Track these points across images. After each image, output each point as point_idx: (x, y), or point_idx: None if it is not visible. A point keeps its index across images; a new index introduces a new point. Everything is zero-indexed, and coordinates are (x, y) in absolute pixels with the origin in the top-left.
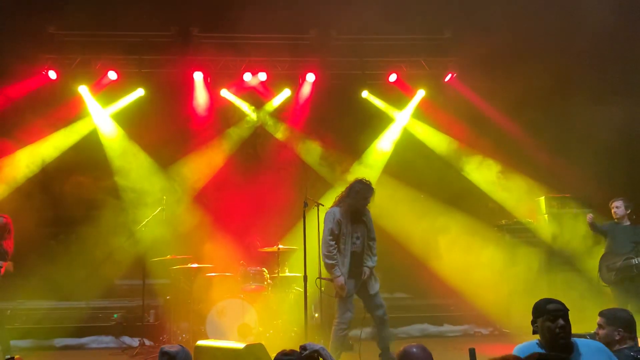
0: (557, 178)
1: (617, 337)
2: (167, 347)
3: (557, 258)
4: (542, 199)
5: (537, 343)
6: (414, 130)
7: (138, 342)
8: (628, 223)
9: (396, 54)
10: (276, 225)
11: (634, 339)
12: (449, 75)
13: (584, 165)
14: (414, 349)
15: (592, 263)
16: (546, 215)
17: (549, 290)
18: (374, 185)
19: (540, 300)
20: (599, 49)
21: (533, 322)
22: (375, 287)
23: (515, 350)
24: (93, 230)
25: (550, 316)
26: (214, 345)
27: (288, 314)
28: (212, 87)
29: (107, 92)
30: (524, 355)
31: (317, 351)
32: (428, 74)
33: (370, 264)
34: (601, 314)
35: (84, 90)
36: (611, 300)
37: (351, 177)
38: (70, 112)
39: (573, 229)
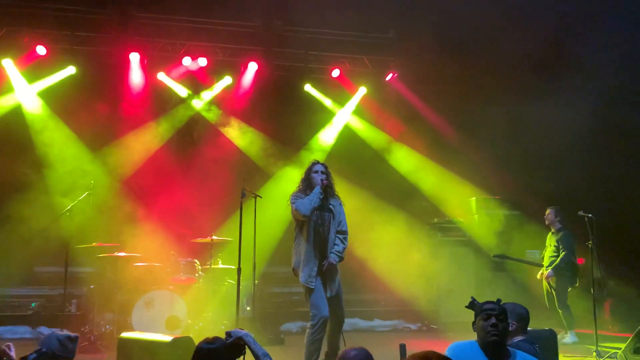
0: (489, 180)
1: (511, 328)
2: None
3: (485, 257)
4: (473, 200)
5: (476, 342)
6: (354, 127)
7: None
8: None
9: (340, 50)
10: (211, 216)
11: (526, 333)
12: (390, 75)
13: (514, 168)
14: (353, 352)
15: (518, 263)
16: (476, 216)
17: (477, 289)
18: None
19: (482, 302)
20: (539, 52)
21: (473, 323)
22: (333, 288)
23: (451, 347)
24: (13, 213)
25: (484, 315)
26: (139, 337)
27: (219, 306)
28: (148, 70)
29: (35, 67)
30: (460, 352)
31: (241, 337)
32: (370, 72)
33: (336, 248)
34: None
35: (8, 64)
36: (533, 299)
37: (290, 170)
38: None
39: (501, 229)
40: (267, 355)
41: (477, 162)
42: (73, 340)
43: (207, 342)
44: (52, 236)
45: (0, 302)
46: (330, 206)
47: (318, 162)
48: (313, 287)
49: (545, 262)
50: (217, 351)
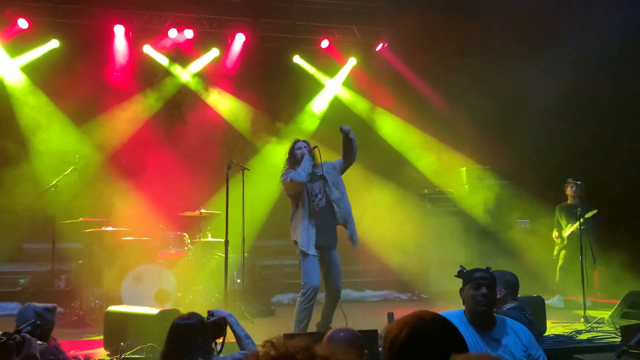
0: (479, 150)
1: (499, 296)
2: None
3: (475, 228)
4: (463, 170)
5: (462, 312)
6: (344, 98)
7: None
8: None
9: (329, 19)
10: (200, 189)
11: (516, 300)
12: (380, 45)
13: (504, 138)
14: (342, 333)
15: (509, 233)
16: (467, 186)
17: (466, 259)
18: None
19: (471, 269)
20: (527, 19)
21: (461, 290)
22: (333, 257)
23: None
24: None
25: (474, 284)
26: (126, 311)
27: (209, 279)
28: (133, 43)
29: (17, 41)
30: None
31: (224, 318)
32: (360, 42)
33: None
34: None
35: None
36: (522, 269)
37: (279, 143)
38: None
39: (491, 200)
40: (248, 337)
41: (468, 133)
42: (51, 310)
43: (183, 318)
44: (38, 212)
45: None
46: (319, 174)
47: (299, 140)
48: (314, 253)
49: None
50: (193, 327)
